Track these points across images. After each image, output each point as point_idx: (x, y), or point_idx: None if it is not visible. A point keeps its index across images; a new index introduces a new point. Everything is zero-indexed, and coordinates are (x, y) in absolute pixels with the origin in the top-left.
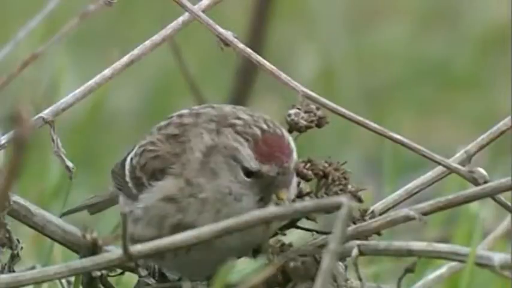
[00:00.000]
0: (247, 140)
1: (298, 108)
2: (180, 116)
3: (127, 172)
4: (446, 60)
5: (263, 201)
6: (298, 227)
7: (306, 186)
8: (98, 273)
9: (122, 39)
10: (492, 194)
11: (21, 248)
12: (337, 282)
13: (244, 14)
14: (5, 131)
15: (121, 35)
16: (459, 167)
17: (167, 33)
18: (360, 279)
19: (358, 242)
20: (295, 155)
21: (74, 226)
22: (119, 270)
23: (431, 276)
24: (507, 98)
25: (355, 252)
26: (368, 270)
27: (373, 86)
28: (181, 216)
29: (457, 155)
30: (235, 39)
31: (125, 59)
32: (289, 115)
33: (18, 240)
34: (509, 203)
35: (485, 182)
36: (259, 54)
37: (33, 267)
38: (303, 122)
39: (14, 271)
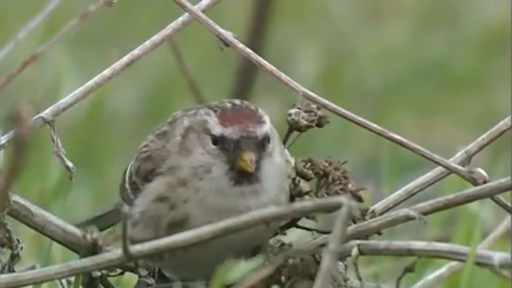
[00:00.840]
0: (215, 111)
1: (299, 108)
2: (174, 115)
3: (127, 179)
4: (446, 60)
5: (233, 170)
6: (298, 226)
7: (306, 186)
8: (98, 273)
9: (122, 39)
10: (492, 194)
11: (21, 248)
12: (337, 282)
13: (244, 14)
14: (5, 131)
15: (121, 35)
16: (459, 167)
17: (167, 33)
18: (360, 279)
19: (358, 241)
20: (266, 128)
21: (74, 226)
22: (119, 270)
23: (431, 276)
24: (507, 98)
25: (355, 251)
26: (368, 270)
27: (374, 86)
28: (173, 213)
29: (457, 155)
30: (235, 39)
31: (125, 59)
32: (290, 114)
33: (18, 240)
34: (508, 203)
35: (485, 182)
36: (259, 54)
37: (33, 267)
38: (303, 122)
39: (14, 271)
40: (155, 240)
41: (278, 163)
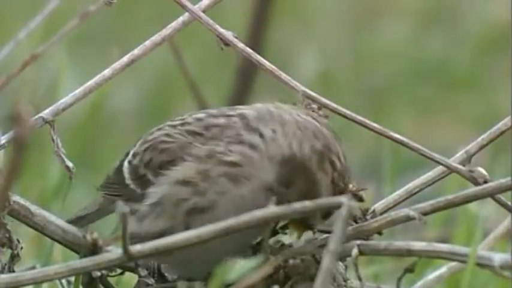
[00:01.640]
0: None
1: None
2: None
3: (126, 175)
4: (446, 60)
5: None
6: None
7: None
8: (98, 273)
9: (122, 39)
10: (492, 194)
11: (21, 248)
12: (337, 282)
13: (244, 14)
14: (5, 131)
15: (121, 35)
16: (459, 166)
17: (167, 33)
18: (360, 279)
19: (358, 241)
20: None
21: (74, 226)
22: (119, 270)
23: (431, 276)
24: (507, 98)
25: (355, 252)
26: (368, 270)
27: (373, 86)
28: (197, 198)
29: (457, 155)
30: (235, 39)
31: (125, 59)
32: None
33: (18, 240)
34: (509, 203)
35: (485, 182)
36: (259, 54)
37: (33, 267)
38: None
39: (14, 271)
40: (155, 240)
41: None
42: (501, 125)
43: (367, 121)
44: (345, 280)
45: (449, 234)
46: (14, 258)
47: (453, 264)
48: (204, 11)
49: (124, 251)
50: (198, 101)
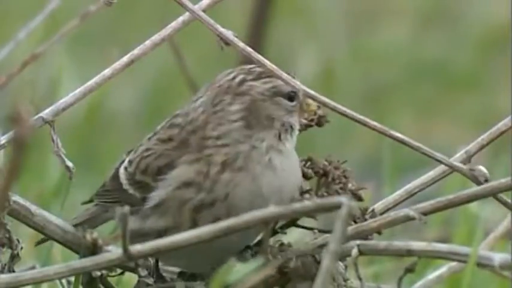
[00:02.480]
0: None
1: None
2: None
3: (124, 181)
4: (446, 60)
5: None
6: (298, 226)
7: (305, 185)
8: (98, 273)
9: (122, 39)
10: (493, 194)
11: (21, 248)
12: (337, 282)
13: (244, 14)
14: (5, 131)
15: (121, 35)
16: (460, 165)
17: (167, 32)
18: (360, 279)
19: (358, 241)
20: None
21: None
22: (119, 270)
23: (431, 276)
24: (507, 98)
25: (355, 252)
26: (368, 270)
27: (373, 86)
28: (203, 195)
29: (457, 155)
30: (236, 39)
31: (125, 59)
32: None
33: (18, 240)
34: (509, 201)
35: (486, 180)
36: (260, 54)
37: (33, 267)
38: (303, 121)
39: (14, 271)
40: (155, 240)
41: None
42: (501, 125)
43: (367, 120)
44: (345, 280)
45: (450, 234)
46: (14, 258)
47: (453, 264)
48: (204, 11)
49: (124, 251)
50: None
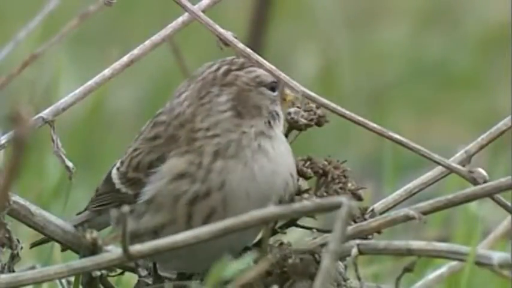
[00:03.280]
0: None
1: (298, 107)
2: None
3: (116, 181)
4: (446, 60)
5: None
6: (297, 226)
7: (305, 184)
8: (98, 273)
9: (122, 39)
10: (492, 194)
11: (21, 248)
12: (337, 282)
13: (244, 14)
14: (5, 131)
15: (121, 35)
16: (459, 167)
17: (167, 33)
18: (360, 279)
19: (357, 241)
20: None
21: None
22: (119, 270)
23: (431, 275)
24: (507, 98)
25: (354, 251)
26: (368, 270)
27: (373, 86)
28: (198, 185)
29: (457, 155)
30: (235, 39)
31: (125, 59)
32: (289, 113)
33: (18, 240)
34: (509, 203)
35: (485, 182)
36: (259, 54)
37: (33, 267)
38: (302, 121)
39: (14, 271)
40: (155, 240)
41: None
42: (501, 125)
43: (366, 121)
44: (345, 280)
45: (449, 233)
46: (14, 258)
47: (453, 263)
48: (203, 11)
49: (124, 251)
50: None
